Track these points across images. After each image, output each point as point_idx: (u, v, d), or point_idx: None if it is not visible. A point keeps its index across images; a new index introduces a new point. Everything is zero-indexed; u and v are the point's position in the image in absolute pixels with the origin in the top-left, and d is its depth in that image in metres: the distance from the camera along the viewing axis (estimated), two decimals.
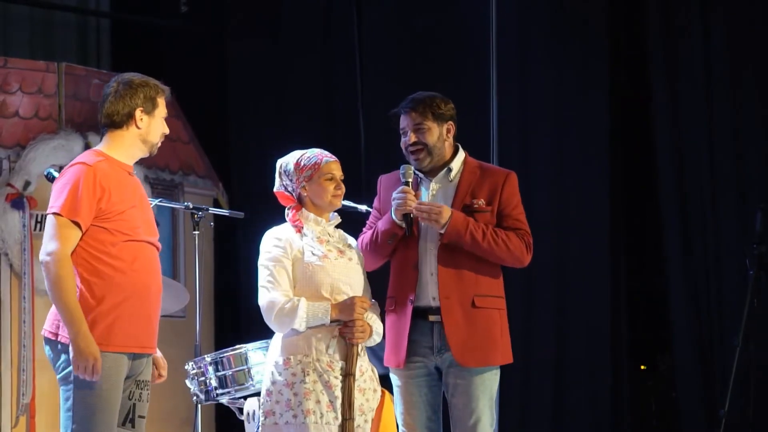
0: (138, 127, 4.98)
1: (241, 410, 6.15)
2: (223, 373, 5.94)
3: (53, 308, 4.87)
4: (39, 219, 8.12)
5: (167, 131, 5.09)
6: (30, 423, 8.12)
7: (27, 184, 8.10)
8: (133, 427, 4.97)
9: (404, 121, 5.44)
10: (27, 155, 8.22)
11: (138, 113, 4.96)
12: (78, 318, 4.71)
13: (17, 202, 8.14)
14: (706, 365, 7.72)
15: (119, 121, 4.97)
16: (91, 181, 4.80)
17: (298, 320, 5.00)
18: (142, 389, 5.00)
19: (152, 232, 5.03)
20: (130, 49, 9.98)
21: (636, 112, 8.23)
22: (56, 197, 4.82)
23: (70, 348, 4.72)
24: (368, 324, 5.10)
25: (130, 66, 9.12)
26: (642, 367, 8.45)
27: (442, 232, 5.28)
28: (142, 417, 5.00)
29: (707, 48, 7.79)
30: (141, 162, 8.53)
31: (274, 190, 5.29)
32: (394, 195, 5.33)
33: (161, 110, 5.03)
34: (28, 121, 8.39)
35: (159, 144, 5.09)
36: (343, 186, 5.21)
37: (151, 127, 5.01)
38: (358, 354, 5.08)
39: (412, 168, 5.42)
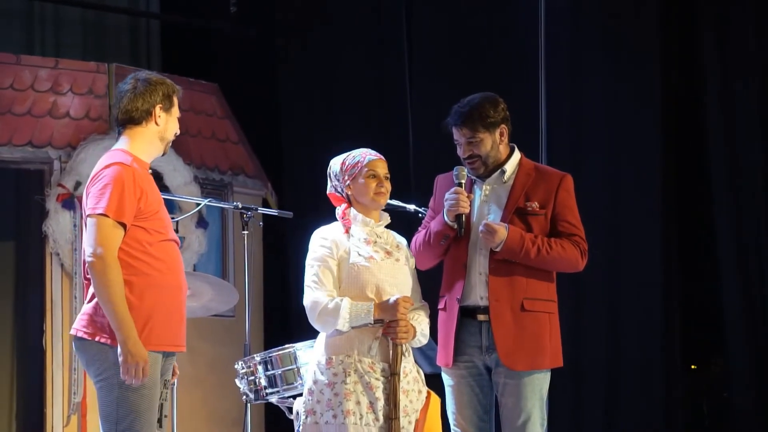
0: (157, 124, 4.98)
1: (290, 409, 6.13)
2: (272, 372, 5.93)
3: (85, 307, 4.87)
4: None
5: (179, 131, 5.10)
6: (81, 422, 8.18)
7: (78, 184, 8.16)
8: (161, 426, 4.98)
9: (456, 134, 5.40)
10: (78, 156, 8.29)
11: (157, 110, 4.97)
12: (128, 321, 4.72)
13: (68, 202, 8.20)
14: (759, 366, 7.66)
15: (138, 118, 4.96)
16: (132, 182, 4.81)
17: (341, 320, 5.00)
18: (167, 389, 5.02)
19: (172, 230, 5.04)
20: (179, 51, 10.03)
21: (689, 116, 8.17)
22: (98, 198, 4.80)
23: (119, 351, 4.72)
24: (412, 324, 5.08)
25: (179, 67, 9.25)
26: (692, 366, 8.40)
27: (497, 250, 5.26)
28: (166, 416, 5.03)
29: (762, 53, 7.73)
30: (190, 161, 8.67)
31: (327, 191, 5.30)
32: (447, 196, 5.31)
33: (176, 109, 5.06)
34: (79, 122, 8.46)
35: (171, 143, 5.10)
36: (387, 184, 5.18)
37: (168, 124, 5.02)
38: (402, 354, 5.07)
39: (465, 169, 5.40)
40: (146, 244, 4.85)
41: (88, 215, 4.83)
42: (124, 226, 4.79)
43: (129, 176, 4.82)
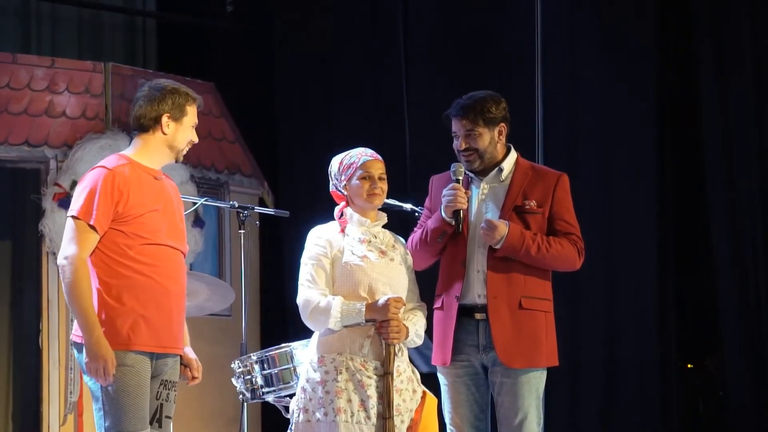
0: (164, 133, 5.00)
1: (286, 408, 6.14)
2: (268, 371, 5.93)
3: None
4: None
5: (196, 140, 5.10)
6: (78, 421, 8.18)
7: (74, 183, 8.15)
8: (160, 427, 5.00)
9: (455, 126, 5.42)
10: (74, 155, 8.28)
11: (165, 119, 4.98)
12: (92, 321, 4.76)
13: (64, 201, 8.19)
14: (756, 364, 7.66)
15: (146, 125, 4.99)
16: (109, 185, 4.84)
17: (332, 319, 5.01)
18: (169, 390, 5.02)
19: (176, 236, 5.03)
20: (176, 50, 10.03)
21: (685, 113, 8.18)
22: (75, 201, 4.88)
23: (84, 350, 4.77)
24: (405, 325, 5.08)
25: (176, 66, 9.24)
26: (689, 365, 8.40)
27: (497, 247, 5.27)
28: (169, 417, 5.04)
29: (756, 48, 7.74)
30: (186, 161, 8.65)
31: (330, 190, 5.30)
32: (445, 192, 5.32)
33: (190, 118, 5.05)
34: (76, 121, 8.46)
35: (185, 151, 5.10)
36: (381, 184, 5.17)
37: (177, 133, 5.02)
38: (395, 354, 5.07)
39: (463, 166, 5.40)
40: (124, 247, 4.87)
41: (67, 216, 4.91)
42: (95, 229, 4.81)
43: (108, 180, 4.85)
